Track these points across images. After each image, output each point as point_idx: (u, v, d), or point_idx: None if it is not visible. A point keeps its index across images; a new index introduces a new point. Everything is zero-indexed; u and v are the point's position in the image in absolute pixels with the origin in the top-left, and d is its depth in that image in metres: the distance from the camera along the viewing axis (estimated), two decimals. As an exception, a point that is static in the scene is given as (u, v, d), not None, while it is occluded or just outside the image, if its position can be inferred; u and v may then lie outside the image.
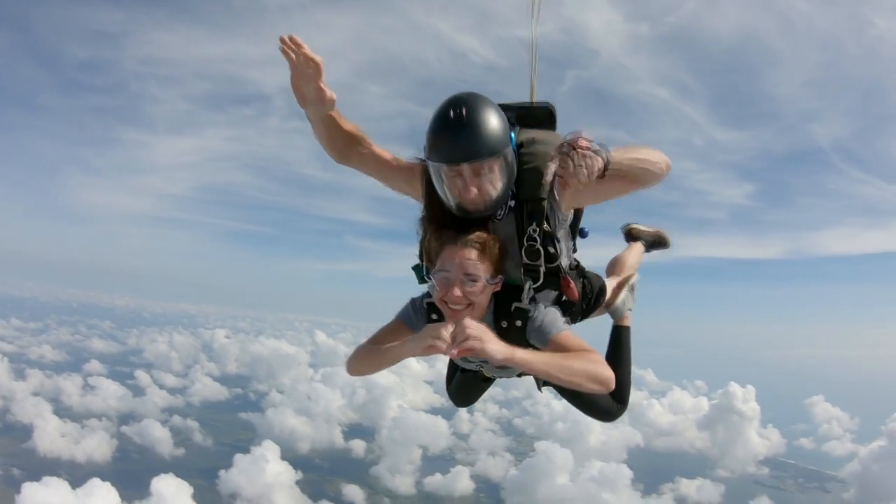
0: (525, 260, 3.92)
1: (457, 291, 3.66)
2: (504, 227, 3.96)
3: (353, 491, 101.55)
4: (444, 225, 3.87)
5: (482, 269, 3.69)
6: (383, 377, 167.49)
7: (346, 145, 4.11)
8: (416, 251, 4.19)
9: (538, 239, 3.89)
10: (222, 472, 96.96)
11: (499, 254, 3.80)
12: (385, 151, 4.26)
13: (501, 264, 3.84)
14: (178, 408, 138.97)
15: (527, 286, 3.92)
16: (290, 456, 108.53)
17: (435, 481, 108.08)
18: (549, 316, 3.89)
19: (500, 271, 3.83)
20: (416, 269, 4.16)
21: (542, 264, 3.91)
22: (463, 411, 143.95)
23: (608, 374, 3.65)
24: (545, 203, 3.92)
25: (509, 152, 3.75)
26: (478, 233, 3.73)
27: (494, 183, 3.73)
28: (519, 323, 3.89)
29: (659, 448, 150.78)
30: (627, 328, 5.55)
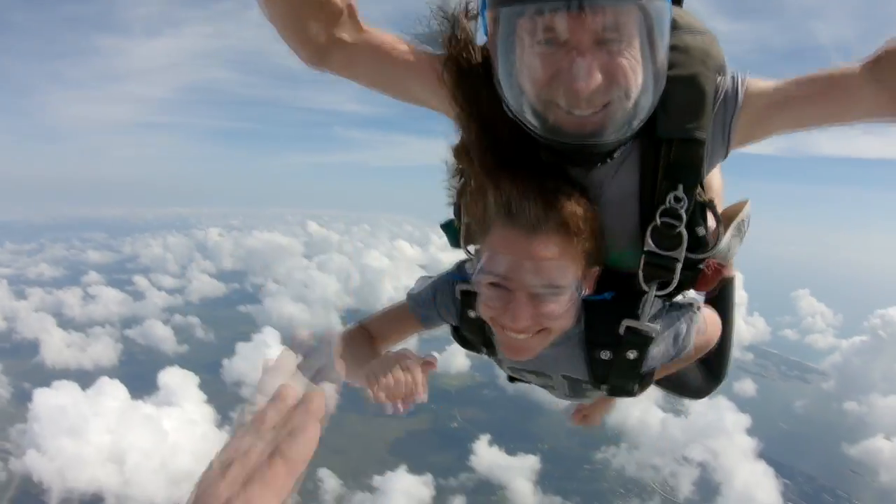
0: (650, 245, 2.20)
1: (521, 315, 2.07)
2: (615, 181, 2.26)
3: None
4: (499, 168, 2.13)
5: (569, 274, 2.07)
6: (375, 260, 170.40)
7: (329, 32, 2.20)
8: (447, 194, 2.60)
9: (683, 216, 2.15)
10: (225, 362, 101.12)
11: (596, 238, 2.14)
12: (386, 34, 2.31)
13: (598, 250, 2.19)
14: (178, 307, 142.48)
15: (651, 294, 2.26)
16: (291, 342, 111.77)
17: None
18: (682, 328, 2.41)
19: (595, 260, 2.21)
20: (448, 229, 2.68)
21: (682, 256, 2.20)
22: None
23: (715, 332, 2.66)
24: (704, 149, 2.15)
25: (664, 9, 1.87)
26: (568, 199, 2.04)
27: (635, 68, 1.84)
28: (633, 354, 2.34)
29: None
30: (732, 279, 3.11)
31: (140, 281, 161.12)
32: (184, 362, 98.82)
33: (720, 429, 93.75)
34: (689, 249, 2.19)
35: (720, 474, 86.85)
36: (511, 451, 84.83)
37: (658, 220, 2.16)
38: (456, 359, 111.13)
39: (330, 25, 2.17)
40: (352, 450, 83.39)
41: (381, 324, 2.84)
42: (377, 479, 74.58)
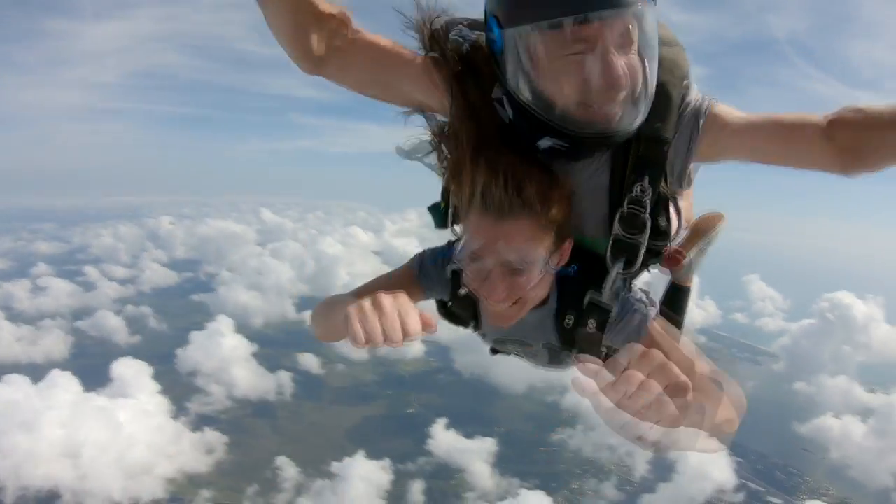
0: (620, 231, 2.52)
1: (496, 287, 2.41)
2: (589, 174, 2.56)
3: (308, 360, 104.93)
4: (478, 158, 2.37)
5: (538, 250, 2.38)
6: (329, 247, 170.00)
7: (327, 42, 2.41)
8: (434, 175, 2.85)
9: (647, 204, 2.48)
10: (179, 352, 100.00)
11: (563, 215, 2.43)
12: (379, 38, 2.52)
13: (566, 227, 2.48)
14: (130, 297, 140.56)
15: (614, 271, 2.55)
16: (245, 331, 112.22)
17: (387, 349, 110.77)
18: (640, 313, 2.66)
19: (566, 235, 2.52)
20: (435, 210, 2.87)
21: (645, 241, 2.52)
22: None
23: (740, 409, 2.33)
24: (669, 148, 2.46)
25: (655, 18, 2.22)
26: (535, 185, 2.30)
27: (643, 67, 2.19)
28: (593, 326, 2.64)
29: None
30: (688, 289, 3.96)
31: (91, 272, 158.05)
32: (137, 353, 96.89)
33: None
34: (651, 237, 2.51)
35: (675, 452, 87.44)
36: (468, 435, 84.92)
37: (626, 208, 2.47)
38: (411, 344, 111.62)
39: (327, 37, 2.38)
40: (309, 437, 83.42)
41: (380, 286, 2.69)
42: (335, 466, 74.32)
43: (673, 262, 2.90)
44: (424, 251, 3.00)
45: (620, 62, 2.08)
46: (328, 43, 2.40)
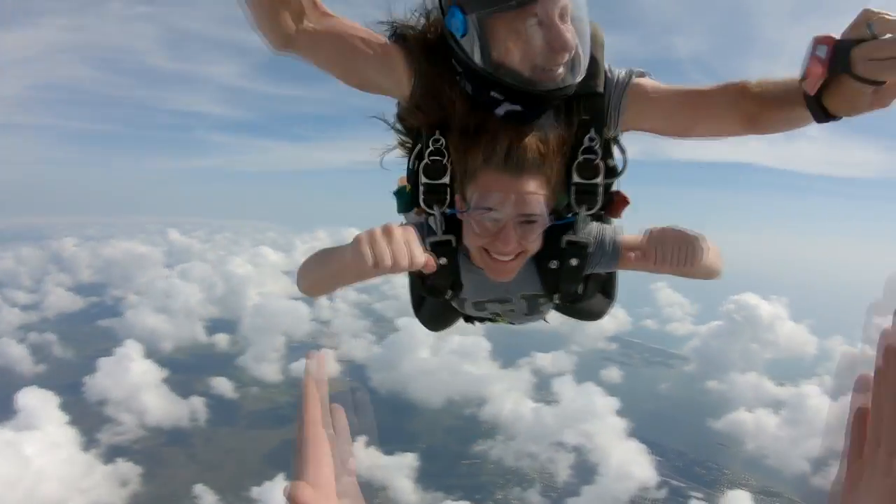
0: (577, 178, 2.79)
1: (510, 240, 2.62)
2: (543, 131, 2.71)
3: (221, 384, 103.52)
4: (467, 130, 2.65)
5: (544, 203, 2.63)
6: (239, 267, 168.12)
7: (294, 19, 2.61)
8: (388, 158, 3.05)
9: (599, 151, 2.78)
10: (87, 380, 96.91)
11: (561, 170, 2.71)
12: (348, 21, 2.72)
13: (561, 186, 2.77)
14: (34, 324, 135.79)
15: (581, 213, 2.83)
16: (155, 356, 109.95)
17: (301, 367, 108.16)
18: (608, 233, 2.98)
19: (558, 192, 2.77)
20: (401, 194, 3.06)
21: (601, 181, 2.80)
22: (323, 298, 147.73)
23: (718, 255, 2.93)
24: (603, 100, 2.82)
25: None
26: (535, 141, 2.56)
27: (584, 33, 2.57)
28: (575, 261, 2.93)
29: (514, 326, 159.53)
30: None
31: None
32: (42, 382, 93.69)
33: (591, 412, 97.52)
34: (605, 176, 2.81)
35: (596, 455, 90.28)
36: (389, 452, 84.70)
37: (581, 158, 2.76)
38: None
39: (297, 15, 2.60)
40: (227, 464, 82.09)
41: None
42: (255, 491, 73.19)
43: (621, 204, 3.06)
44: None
45: (566, 30, 2.40)
46: (298, 22, 2.62)
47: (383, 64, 2.70)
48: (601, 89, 2.80)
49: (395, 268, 2.26)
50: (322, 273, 2.90)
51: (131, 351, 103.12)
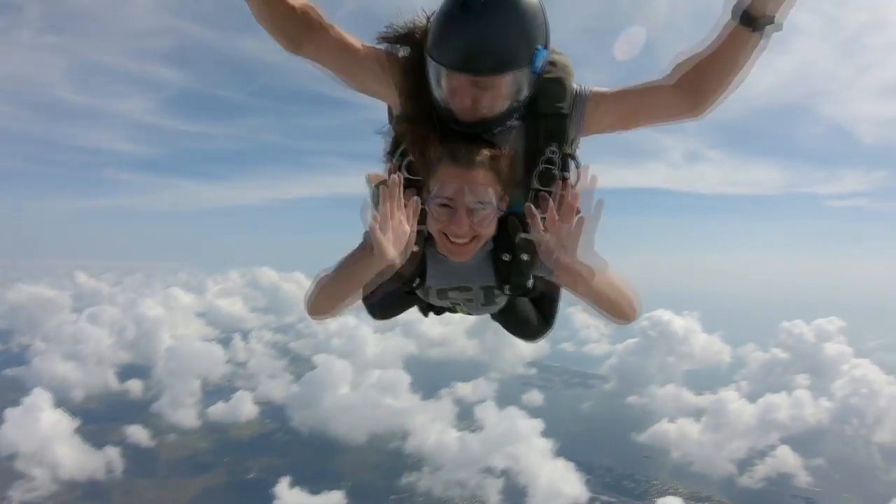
0: (536, 184, 3.28)
1: (462, 223, 3.04)
2: (510, 142, 3.29)
3: (137, 432, 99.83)
4: (434, 135, 3.14)
5: (492, 194, 3.06)
6: (150, 309, 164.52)
7: (298, 27, 3.14)
8: (376, 165, 3.60)
9: (558, 162, 3.29)
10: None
11: (510, 172, 3.16)
12: (349, 35, 3.26)
13: (510, 184, 3.19)
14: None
15: (538, 216, 3.04)
16: (66, 405, 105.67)
17: (218, 410, 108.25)
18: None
19: (509, 186, 3.20)
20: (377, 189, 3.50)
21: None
22: (237, 339, 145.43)
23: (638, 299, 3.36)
24: (568, 121, 3.30)
25: (541, 61, 2.99)
26: (487, 149, 3.07)
27: (511, 97, 3.05)
28: (526, 256, 3.35)
29: (433, 357, 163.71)
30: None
31: None
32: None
33: (516, 435, 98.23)
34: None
35: (524, 477, 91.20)
36: (315, 492, 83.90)
37: (541, 167, 3.29)
38: (243, 406, 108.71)
39: (303, 24, 3.13)
40: (149, 515, 79.89)
41: (351, 261, 3.26)
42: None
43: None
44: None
45: (487, 98, 2.96)
46: (305, 32, 3.17)
47: (378, 74, 3.25)
48: (566, 111, 3.30)
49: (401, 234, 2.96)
50: (340, 289, 3.24)
51: (40, 400, 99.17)
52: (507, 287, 3.59)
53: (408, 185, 3.16)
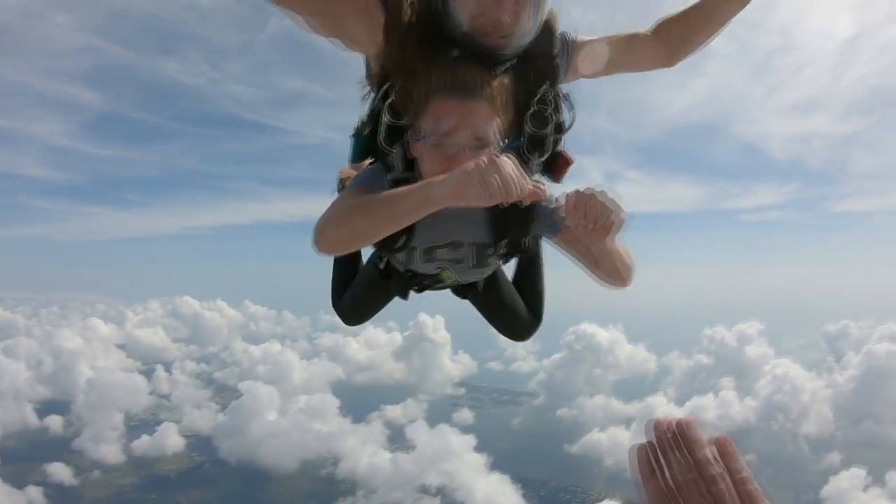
0: (531, 128, 3.12)
1: (468, 160, 2.63)
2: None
3: (58, 470, 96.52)
4: (426, 61, 2.92)
5: (494, 127, 2.82)
6: (68, 341, 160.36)
7: None
8: (358, 114, 3.31)
9: (551, 102, 3.17)
10: None
11: (507, 107, 2.95)
12: None
13: (507, 120, 2.98)
14: None
15: (534, 162, 3.21)
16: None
17: (143, 444, 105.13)
18: (557, 198, 3.13)
19: (505, 117, 2.97)
20: (359, 136, 3.23)
21: (551, 133, 3.18)
22: (160, 370, 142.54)
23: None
24: (558, 62, 3.22)
25: None
26: (482, 71, 2.85)
27: (537, 7, 2.95)
28: (525, 207, 3.13)
29: (361, 382, 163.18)
30: (540, 250, 4.51)
31: None
32: None
33: (449, 452, 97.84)
34: (554, 130, 3.20)
35: (461, 493, 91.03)
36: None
37: (535, 107, 3.14)
38: (169, 439, 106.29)
39: None
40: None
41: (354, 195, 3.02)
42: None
43: (564, 164, 3.38)
44: (364, 171, 3.32)
45: (512, 5, 2.84)
46: None
47: (361, 12, 2.98)
48: (556, 51, 3.22)
49: (508, 196, 2.52)
50: (372, 219, 2.79)
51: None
52: (502, 243, 3.39)
53: (393, 130, 3.04)
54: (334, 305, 4.54)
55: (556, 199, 3.13)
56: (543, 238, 3.50)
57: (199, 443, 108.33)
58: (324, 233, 2.86)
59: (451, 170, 2.60)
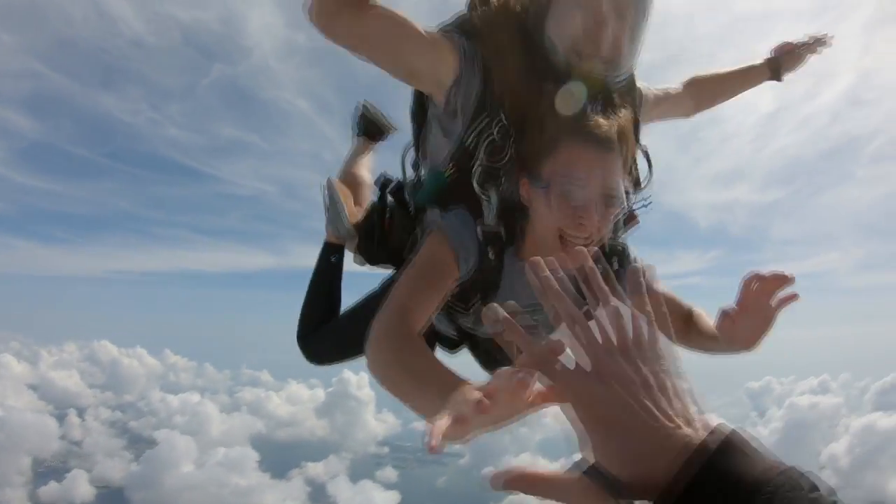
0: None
1: (594, 217, 2.42)
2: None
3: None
4: (549, 103, 2.52)
5: (623, 187, 2.50)
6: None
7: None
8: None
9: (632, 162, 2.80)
10: None
11: (633, 156, 2.70)
12: (400, 12, 2.59)
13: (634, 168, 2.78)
14: None
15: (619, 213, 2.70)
16: None
17: (50, 491, 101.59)
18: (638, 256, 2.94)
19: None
20: (438, 178, 2.82)
21: (630, 190, 2.73)
22: (73, 415, 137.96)
23: None
24: (639, 113, 2.98)
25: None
26: (614, 119, 2.46)
27: (637, 31, 2.64)
28: (617, 265, 2.82)
29: (282, 438, 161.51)
30: None
31: None
32: None
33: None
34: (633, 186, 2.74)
35: None
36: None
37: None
38: (79, 487, 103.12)
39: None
40: None
41: (420, 293, 2.42)
42: None
43: (631, 223, 2.91)
44: (442, 219, 2.72)
45: (617, 28, 2.51)
46: (348, 6, 2.44)
47: (432, 53, 2.58)
48: (638, 104, 2.93)
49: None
50: (408, 386, 2.20)
51: None
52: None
53: (489, 171, 2.58)
54: (302, 339, 3.83)
55: (636, 259, 2.87)
56: None
57: (111, 494, 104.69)
58: (377, 366, 2.29)
59: (575, 224, 2.39)
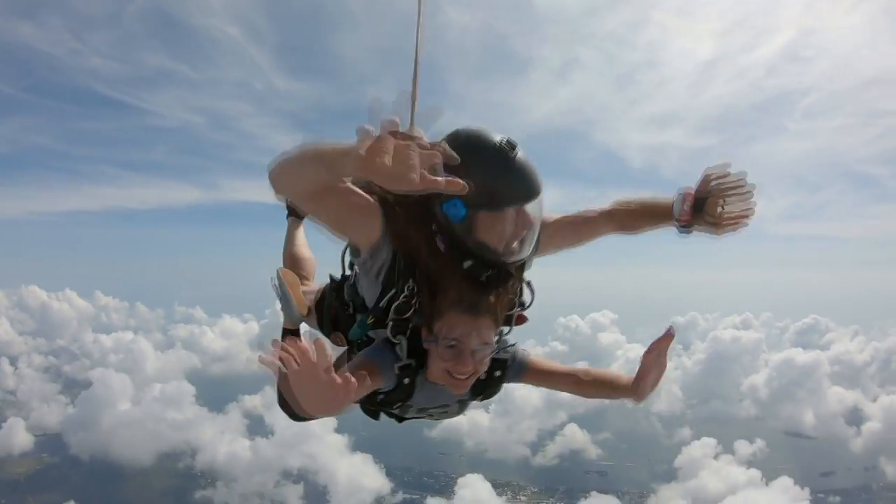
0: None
1: (468, 364, 3.31)
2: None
3: None
4: (450, 279, 3.30)
5: (494, 335, 3.43)
6: None
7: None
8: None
9: (520, 291, 3.75)
10: None
11: (506, 314, 3.59)
12: (352, 187, 3.21)
13: (509, 321, 3.68)
14: None
15: (503, 335, 3.72)
16: None
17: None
18: (518, 352, 3.89)
19: (506, 326, 3.70)
20: (363, 326, 3.69)
21: (517, 309, 3.75)
22: (5, 364, 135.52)
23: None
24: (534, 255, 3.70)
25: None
26: (493, 296, 3.35)
27: (535, 232, 3.45)
28: (498, 373, 3.77)
29: (217, 372, 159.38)
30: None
31: None
32: None
33: (309, 435, 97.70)
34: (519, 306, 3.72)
35: (323, 476, 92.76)
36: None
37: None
38: (16, 437, 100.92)
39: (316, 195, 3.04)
40: None
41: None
42: None
43: (520, 322, 3.83)
44: (365, 355, 3.60)
45: (521, 228, 3.21)
46: (308, 200, 3.15)
47: (366, 226, 3.29)
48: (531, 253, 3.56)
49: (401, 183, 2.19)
50: (306, 165, 2.68)
51: None
52: (480, 397, 3.94)
53: (399, 323, 3.43)
54: (283, 406, 4.46)
55: (515, 347, 3.87)
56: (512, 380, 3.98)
57: (49, 440, 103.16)
58: (271, 174, 2.84)
59: (456, 367, 3.31)
